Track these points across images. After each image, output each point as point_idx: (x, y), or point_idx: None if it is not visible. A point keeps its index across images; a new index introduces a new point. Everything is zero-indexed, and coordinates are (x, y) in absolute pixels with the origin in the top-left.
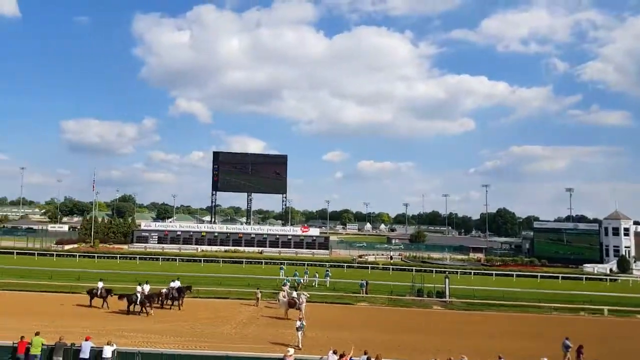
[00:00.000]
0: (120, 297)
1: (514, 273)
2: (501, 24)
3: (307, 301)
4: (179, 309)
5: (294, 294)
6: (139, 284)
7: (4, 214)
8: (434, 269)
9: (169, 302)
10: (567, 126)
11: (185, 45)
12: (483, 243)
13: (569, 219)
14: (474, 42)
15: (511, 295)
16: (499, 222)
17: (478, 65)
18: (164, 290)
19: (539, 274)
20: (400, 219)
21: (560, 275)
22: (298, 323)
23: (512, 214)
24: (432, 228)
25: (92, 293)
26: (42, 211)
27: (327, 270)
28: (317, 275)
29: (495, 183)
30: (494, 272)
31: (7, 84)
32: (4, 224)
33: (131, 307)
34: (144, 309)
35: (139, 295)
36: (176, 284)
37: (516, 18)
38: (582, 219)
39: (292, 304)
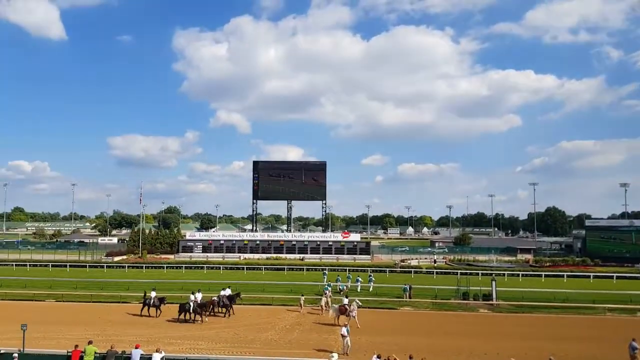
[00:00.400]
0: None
1: (565, 273)
2: (548, 14)
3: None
4: (229, 316)
5: (345, 300)
6: (192, 293)
7: (57, 229)
8: (480, 272)
9: (221, 309)
10: (622, 118)
11: (224, 58)
12: (531, 243)
13: (623, 215)
14: (519, 35)
15: (562, 297)
16: (548, 221)
17: (524, 59)
18: (214, 298)
19: (592, 274)
20: (444, 222)
21: (615, 274)
22: (344, 330)
23: (562, 212)
24: (478, 230)
25: (145, 302)
26: (92, 225)
27: (370, 275)
28: (360, 280)
29: (544, 181)
30: (543, 273)
31: (57, 104)
32: (58, 239)
33: (185, 316)
34: (197, 317)
35: (192, 303)
36: (227, 292)
37: (564, 7)
38: (638, 215)
39: (343, 310)
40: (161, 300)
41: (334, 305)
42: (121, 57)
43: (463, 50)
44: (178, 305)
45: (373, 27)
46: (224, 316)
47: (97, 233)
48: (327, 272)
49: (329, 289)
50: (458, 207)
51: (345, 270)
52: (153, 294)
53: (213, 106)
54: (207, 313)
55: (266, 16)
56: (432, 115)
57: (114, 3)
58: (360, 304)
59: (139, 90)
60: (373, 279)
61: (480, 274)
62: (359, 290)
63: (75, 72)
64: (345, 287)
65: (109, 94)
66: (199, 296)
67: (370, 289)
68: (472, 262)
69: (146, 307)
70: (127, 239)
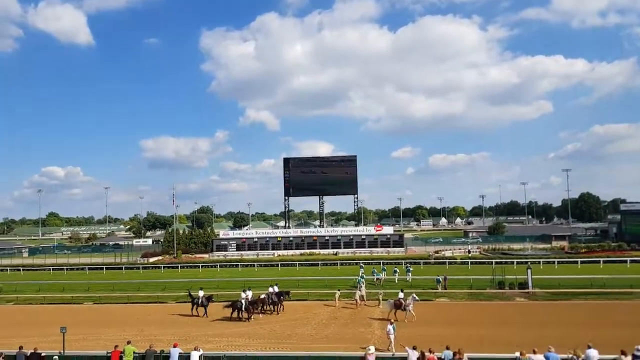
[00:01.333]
0: (227, 305)
1: (601, 259)
2: None
3: (383, 299)
4: (278, 313)
5: (401, 294)
6: (243, 291)
7: (93, 232)
8: (515, 260)
9: (269, 307)
10: None
11: (251, 56)
12: (566, 230)
13: None
14: (547, 20)
15: (599, 283)
16: (582, 207)
17: (553, 44)
18: (262, 296)
19: (629, 259)
20: (477, 212)
21: None
22: (390, 327)
23: (596, 197)
24: (511, 218)
25: (193, 302)
26: (126, 227)
27: (408, 266)
28: (397, 272)
29: (577, 167)
30: (579, 259)
31: (87, 109)
32: (93, 242)
33: (237, 314)
34: (248, 314)
35: (243, 302)
36: (275, 289)
37: None
38: None
39: (398, 304)
40: (209, 299)
41: (389, 299)
42: (149, 60)
43: (491, 38)
44: (228, 303)
45: (399, 19)
46: (272, 313)
47: (132, 235)
48: (363, 265)
49: (363, 281)
50: (491, 197)
51: (380, 263)
52: (201, 293)
53: (242, 105)
54: (258, 311)
55: (292, 12)
56: (462, 104)
57: (139, 7)
58: (417, 298)
59: (168, 92)
60: (411, 269)
61: (515, 263)
62: (396, 281)
63: (103, 77)
64: (382, 276)
65: (138, 97)
66: (249, 294)
67: (409, 279)
68: (507, 250)
69: (195, 307)
70: (161, 240)
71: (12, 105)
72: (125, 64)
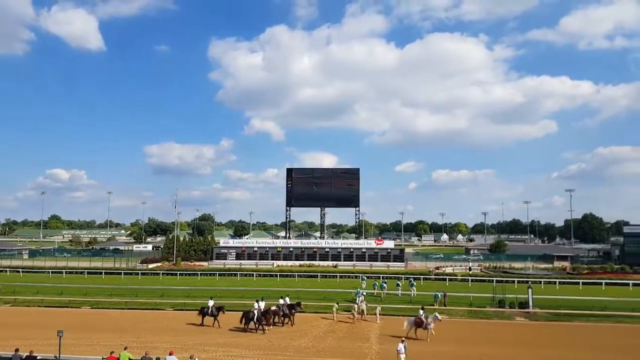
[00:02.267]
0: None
1: (603, 281)
2: (583, 20)
3: (380, 314)
4: (291, 325)
5: (421, 312)
6: (256, 301)
7: (93, 236)
8: (516, 279)
9: (280, 319)
10: None
11: (259, 67)
12: (568, 251)
13: None
14: (553, 42)
15: (600, 305)
16: (585, 228)
17: (559, 65)
18: (274, 308)
19: (631, 282)
20: (479, 229)
21: None
22: (401, 346)
23: (599, 219)
24: (513, 237)
25: (203, 312)
26: (127, 232)
27: (412, 281)
28: (399, 286)
29: (580, 187)
30: (580, 280)
31: (95, 112)
32: (93, 246)
33: (249, 324)
34: (260, 325)
35: (256, 312)
36: (286, 300)
37: (599, 13)
38: None
39: (419, 323)
40: (219, 309)
41: (409, 317)
42: (158, 67)
43: (497, 57)
44: (243, 314)
45: (407, 35)
46: (283, 325)
47: (132, 240)
48: (365, 278)
49: (362, 295)
50: (493, 214)
51: (379, 277)
52: (211, 302)
53: (248, 114)
54: (270, 322)
55: (301, 25)
56: (467, 121)
57: (151, 14)
58: (439, 317)
59: (176, 99)
60: (415, 284)
61: (516, 282)
62: (399, 295)
63: (112, 82)
64: (384, 287)
65: (146, 103)
66: (262, 304)
67: (413, 295)
68: (508, 269)
69: (205, 317)
70: (161, 246)
71: (21, 107)
72: (134, 69)
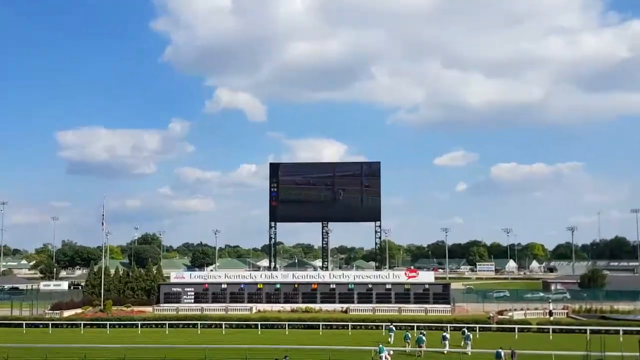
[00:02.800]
0: None
1: None
2: None
3: None
4: None
5: None
6: None
7: None
8: (621, 329)
9: None
10: None
11: (226, 10)
12: None
13: None
14: None
15: None
16: None
17: None
18: None
19: None
20: (563, 252)
21: None
22: None
23: None
24: (616, 264)
25: None
26: (31, 263)
27: (465, 331)
28: (447, 339)
29: None
30: None
31: None
32: None
33: None
34: None
35: None
36: None
37: None
38: None
39: None
40: None
41: None
42: (72, 14)
43: None
44: None
45: None
46: None
47: (38, 275)
48: (394, 329)
49: (385, 353)
50: (585, 230)
51: (414, 327)
52: None
53: (210, 82)
54: None
55: None
56: (543, 89)
57: None
58: None
59: (102, 62)
60: (470, 336)
61: (621, 332)
62: (445, 352)
63: (5, 36)
64: (422, 340)
65: (55, 67)
66: None
67: (469, 352)
68: (608, 313)
69: None
70: (82, 284)
71: None
72: (35, 16)
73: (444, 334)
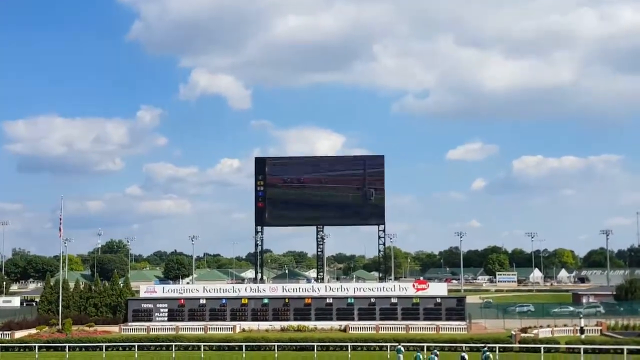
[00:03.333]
0: None
1: None
2: None
3: None
4: None
5: None
6: None
7: None
8: None
9: None
10: None
11: None
12: None
13: None
14: None
15: None
16: None
17: None
18: None
19: None
20: (597, 260)
21: None
22: None
23: None
24: None
25: None
26: None
27: (485, 351)
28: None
29: None
30: None
31: None
32: None
33: None
34: None
35: None
36: None
37: None
38: None
39: None
40: None
41: None
42: None
43: None
44: None
45: None
46: None
47: None
48: (402, 349)
49: None
50: (622, 234)
51: (424, 348)
52: None
53: (185, 63)
54: None
55: None
56: (572, 71)
57: None
58: None
59: (55, 40)
60: (490, 357)
61: None
62: None
63: None
64: None
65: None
66: None
67: None
68: None
69: None
70: (37, 300)
71: None
72: None
73: (463, 354)
